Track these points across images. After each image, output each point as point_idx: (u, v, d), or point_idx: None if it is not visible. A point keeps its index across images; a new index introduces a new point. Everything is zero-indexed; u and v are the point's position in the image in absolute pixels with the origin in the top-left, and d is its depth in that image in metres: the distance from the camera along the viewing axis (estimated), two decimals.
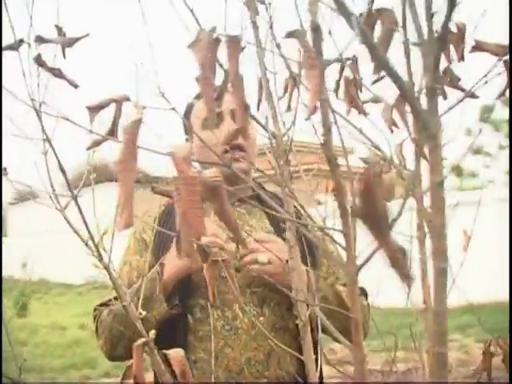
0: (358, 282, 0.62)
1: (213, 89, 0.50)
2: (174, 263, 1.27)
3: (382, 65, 0.43)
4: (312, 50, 0.45)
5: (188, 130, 1.48)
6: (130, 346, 1.31)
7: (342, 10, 0.42)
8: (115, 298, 1.36)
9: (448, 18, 0.42)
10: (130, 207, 0.44)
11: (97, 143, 0.63)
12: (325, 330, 0.81)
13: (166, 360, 0.65)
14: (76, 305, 10.43)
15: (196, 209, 0.43)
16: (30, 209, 14.51)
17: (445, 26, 0.42)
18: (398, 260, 0.36)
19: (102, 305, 1.41)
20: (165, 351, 0.66)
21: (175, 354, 0.64)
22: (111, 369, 5.81)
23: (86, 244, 0.78)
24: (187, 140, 1.47)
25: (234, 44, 0.50)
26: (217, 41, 0.51)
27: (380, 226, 0.35)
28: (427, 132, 0.47)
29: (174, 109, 0.58)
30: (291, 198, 0.72)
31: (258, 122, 0.79)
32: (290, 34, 0.50)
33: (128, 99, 0.61)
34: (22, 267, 14.47)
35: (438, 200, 0.46)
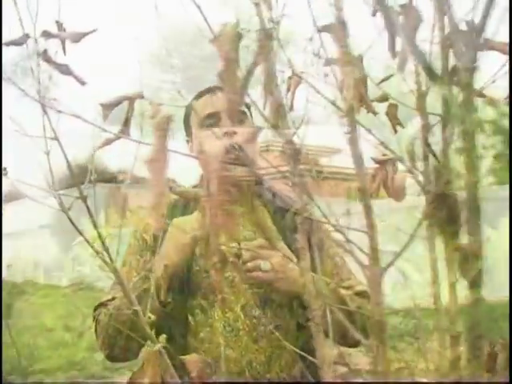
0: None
1: (236, 84, 0.49)
2: (167, 258, 1.24)
3: (419, 57, 0.42)
4: (348, 45, 0.44)
5: (188, 132, 1.46)
6: (126, 346, 1.30)
7: (380, 2, 0.40)
8: (113, 298, 1.34)
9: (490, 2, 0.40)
10: (162, 208, 0.42)
11: (109, 142, 0.61)
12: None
13: (182, 365, 0.63)
14: (62, 306, 10.31)
15: (227, 209, 0.41)
16: (15, 210, 14.33)
17: (486, 12, 0.40)
18: (468, 263, 0.34)
19: (100, 304, 1.38)
20: (182, 357, 0.64)
21: (192, 359, 0.62)
22: (99, 371, 5.74)
23: (92, 246, 0.76)
24: (188, 141, 1.45)
25: (265, 38, 0.48)
26: (240, 35, 0.49)
27: (455, 228, 0.33)
28: (462, 129, 0.45)
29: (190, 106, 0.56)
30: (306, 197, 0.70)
31: (269, 122, 0.77)
32: (324, 29, 0.49)
33: (142, 97, 0.59)
34: (7, 268, 14.29)
35: (474, 200, 0.45)
